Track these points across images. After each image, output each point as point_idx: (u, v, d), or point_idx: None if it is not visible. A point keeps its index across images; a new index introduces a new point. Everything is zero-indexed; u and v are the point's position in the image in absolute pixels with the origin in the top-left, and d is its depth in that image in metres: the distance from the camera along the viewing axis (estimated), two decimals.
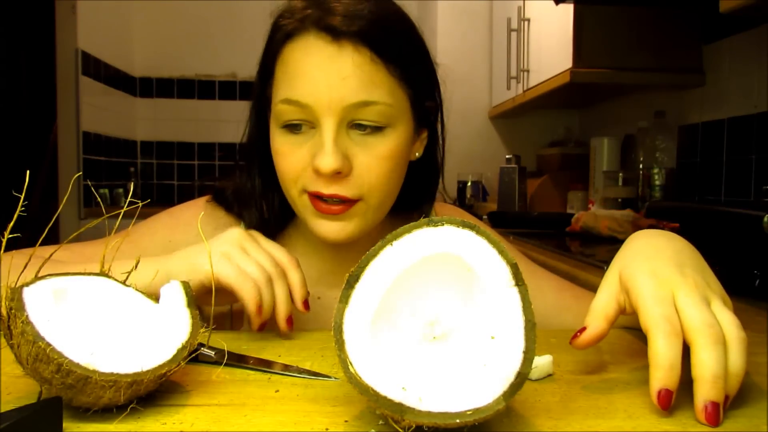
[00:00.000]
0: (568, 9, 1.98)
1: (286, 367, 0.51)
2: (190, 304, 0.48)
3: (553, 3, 1.97)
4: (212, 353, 0.52)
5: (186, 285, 0.49)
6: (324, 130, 0.65)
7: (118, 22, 3.48)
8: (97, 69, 3.17)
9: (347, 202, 0.67)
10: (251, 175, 0.78)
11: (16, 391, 0.45)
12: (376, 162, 0.67)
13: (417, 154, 0.75)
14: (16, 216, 0.41)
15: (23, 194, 0.42)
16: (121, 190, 3.36)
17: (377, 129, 0.67)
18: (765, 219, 0.81)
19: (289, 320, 0.62)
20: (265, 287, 0.60)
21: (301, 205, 0.70)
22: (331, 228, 0.68)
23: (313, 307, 0.75)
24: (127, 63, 3.60)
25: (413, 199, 0.80)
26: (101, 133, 3.23)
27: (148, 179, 3.79)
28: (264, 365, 0.52)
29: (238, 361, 0.52)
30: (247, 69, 3.51)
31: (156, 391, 0.44)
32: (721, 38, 1.81)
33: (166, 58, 3.72)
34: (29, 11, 2.97)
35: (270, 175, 0.75)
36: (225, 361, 0.52)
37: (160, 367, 0.41)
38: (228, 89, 3.73)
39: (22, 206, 0.42)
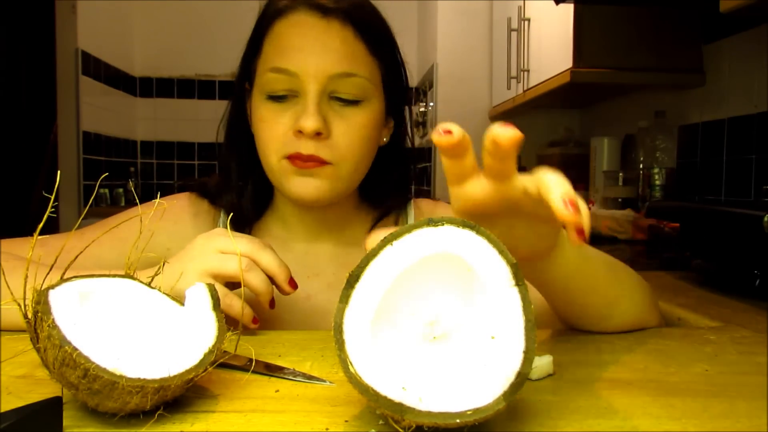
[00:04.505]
0: (568, 9, 1.98)
1: (282, 370, 0.51)
2: (215, 307, 0.47)
3: (553, 3, 1.97)
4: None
5: (211, 287, 0.48)
6: (308, 96, 0.71)
7: (118, 22, 3.48)
8: (97, 69, 3.17)
9: (323, 163, 0.72)
10: (232, 161, 0.83)
11: (16, 391, 0.45)
12: (351, 130, 0.73)
13: (384, 139, 0.82)
14: (45, 217, 0.41)
15: (54, 194, 0.42)
16: (121, 190, 3.36)
17: (354, 102, 0.74)
18: (765, 219, 0.81)
19: (272, 303, 0.65)
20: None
21: (280, 170, 0.74)
22: (306, 185, 0.73)
23: (290, 296, 0.76)
24: (127, 63, 3.60)
25: (384, 188, 0.84)
26: (101, 133, 3.23)
27: (148, 179, 3.79)
28: (262, 368, 0.51)
29: (241, 363, 0.52)
30: None
31: (182, 395, 0.43)
32: (721, 38, 1.81)
33: (166, 58, 3.72)
34: (29, 11, 2.96)
35: (250, 159, 0.80)
36: (223, 364, 0.52)
37: (187, 372, 0.40)
38: (228, 89, 3.72)
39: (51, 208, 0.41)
